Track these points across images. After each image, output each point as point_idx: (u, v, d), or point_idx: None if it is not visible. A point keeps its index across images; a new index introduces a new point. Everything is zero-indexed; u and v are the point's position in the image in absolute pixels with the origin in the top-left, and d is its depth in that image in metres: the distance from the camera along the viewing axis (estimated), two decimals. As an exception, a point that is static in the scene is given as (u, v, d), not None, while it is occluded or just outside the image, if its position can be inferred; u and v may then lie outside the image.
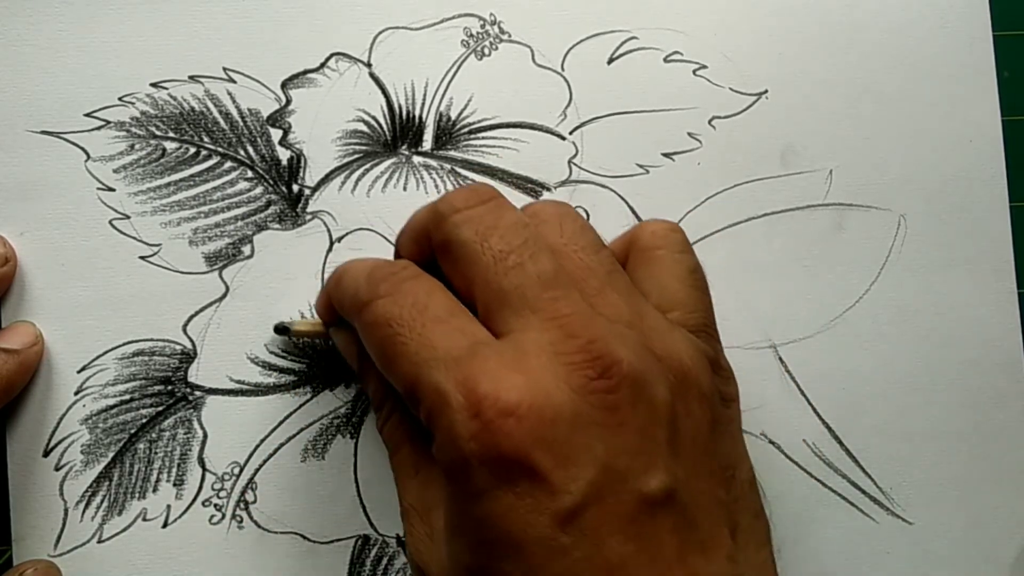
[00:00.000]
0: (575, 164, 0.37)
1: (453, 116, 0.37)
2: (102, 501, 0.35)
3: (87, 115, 0.36)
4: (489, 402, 0.24)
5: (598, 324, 0.26)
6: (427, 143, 0.37)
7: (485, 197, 0.28)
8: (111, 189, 0.36)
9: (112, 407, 0.35)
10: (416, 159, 0.37)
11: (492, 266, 0.26)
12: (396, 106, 0.37)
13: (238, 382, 0.35)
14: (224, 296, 0.36)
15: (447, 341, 0.26)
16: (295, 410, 0.35)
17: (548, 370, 0.24)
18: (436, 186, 0.37)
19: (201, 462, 0.35)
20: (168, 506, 0.35)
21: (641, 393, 0.25)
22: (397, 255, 0.31)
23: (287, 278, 0.36)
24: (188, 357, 0.35)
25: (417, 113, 0.37)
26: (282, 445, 0.35)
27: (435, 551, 0.26)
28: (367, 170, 0.37)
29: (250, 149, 0.36)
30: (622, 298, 0.28)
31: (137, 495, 0.35)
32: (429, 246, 0.29)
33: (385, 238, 0.36)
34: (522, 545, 0.23)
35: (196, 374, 0.35)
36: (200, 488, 0.35)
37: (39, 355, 0.34)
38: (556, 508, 0.23)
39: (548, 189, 0.37)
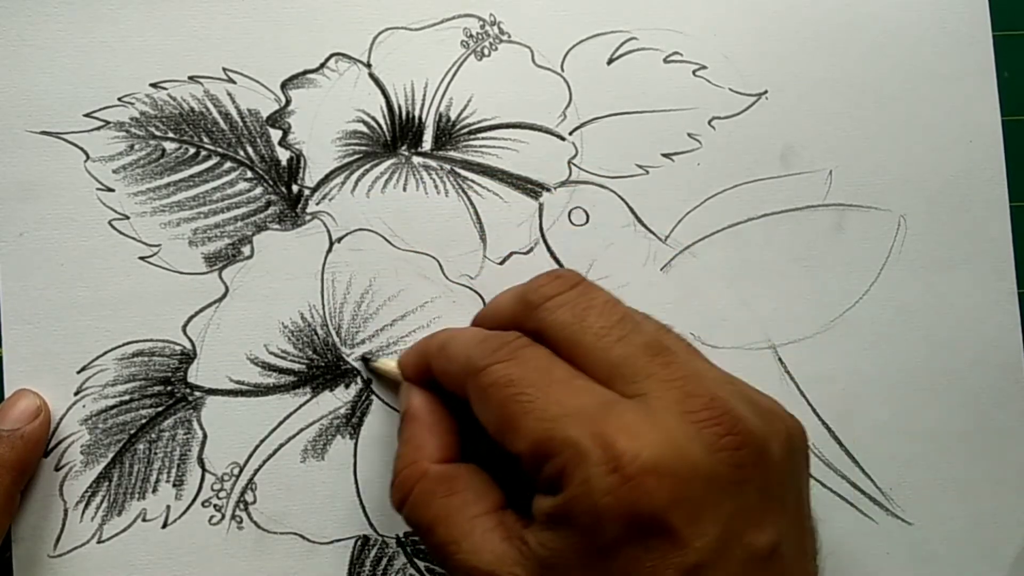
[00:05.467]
0: (575, 164, 0.37)
1: (453, 117, 0.37)
2: (102, 501, 0.35)
3: (86, 115, 0.36)
4: (628, 458, 0.24)
5: (710, 383, 0.27)
6: (427, 144, 0.37)
7: (573, 281, 0.30)
8: (110, 189, 0.36)
9: (112, 407, 0.35)
10: (416, 159, 0.37)
11: (596, 342, 0.28)
12: (396, 106, 0.37)
13: (238, 383, 0.35)
14: (224, 297, 0.36)
15: (576, 399, 0.26)
16: (295, 411, 0.35)
17: (679, 428, 0.25)
18: (436, 186, 0.37)
19: (201, 462, 0.35)
20: (168, 506, 0.35)
21: (762, 451, 0.26)
22: None
23: (287, 279, 0.36)
24: (188, 358, 0.35)
25: (417, 114, 0.37)
26: (282, 446, 0.35)
27: None
28: (367, 170, 0.37)
29: (250, 149, 0.36)
30: (706, 361, 0.29)
31: (137, 495, 0.35)
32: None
33: (385, 239, 0.36)
34: None
35: (196, 375, 0.35)
36: (200, 488, 0.35)
37: (46, 425, 0.34)
38: (681, 563, 0.24)
39: (548, 189, 0.37)
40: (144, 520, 0.35)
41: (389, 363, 0.35)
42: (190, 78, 0.36)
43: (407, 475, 0.30)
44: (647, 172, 0.37)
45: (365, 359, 0.36)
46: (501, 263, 0.37)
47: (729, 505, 0.25)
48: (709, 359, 0.29)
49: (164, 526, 0.35)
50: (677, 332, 0.30)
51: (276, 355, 0.36)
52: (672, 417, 0.25)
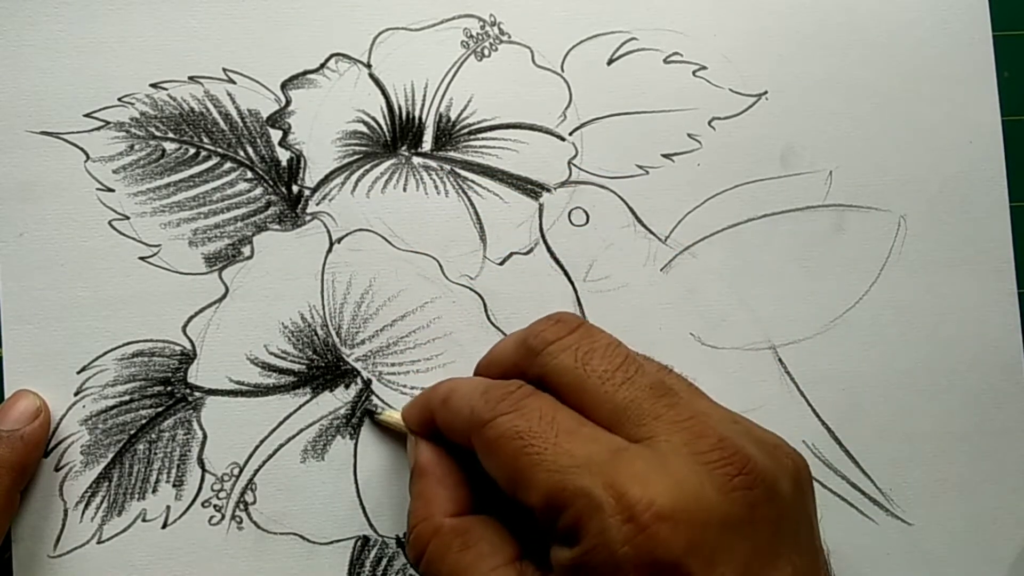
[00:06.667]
0: (575, 165, 0.37)
1: (453, 117, 0.37)
2: (102, 502, 0.35)
3: (87, 115, 0.36)
4: (642, 506, 0.24)
5: (717, 423, 0.27)
6: (427, 144, 0.37)
7: (573, 325, 0.29)
8: (110, 190, 0.36)
9: (112, 408, 0.35)
10: (416, 160, 0.37)
11: (601, 386, 0.27)
12: (396, 107, 0.37)
13: (238, 383, 0.36)
14: (224, 297, 0.36)
15: (584, 448, 0.26)
16: (295, 411, 0.35)
17: (690, 471, 0.25)
18: (436, 187, 0.37)
19: (201, 463, 0.35)
20: (168, 507, 0.35)
21: (773, 489, 0.26)
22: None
23: (287, 279, 0.36)
24: (188, 358, 0.35)
25: (417, 114, 0.37)
26: (282, 446, 0.35)
27: None
28: (367, 171, 0.37)
29: (250, 150, 0.36)
30: (709, 400, 0.29)
31: (137, 496, 0.35)
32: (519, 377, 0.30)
33: (385, 239, 0.36)
34: None
35: (196, 375, 0.35)
36: (200, 489, 0.35)
37: (46, 426, 0.34)
38: None
39: (548, 190, 0.37)
40: (144, 520, 0.35)
41: (394, 415, 0.35)
42: (190, 78, 0.36)
43: (420, 531, 0.30)
44: (647, 172, 0.37)
45: (369, 412, 0.36)
46: (501, 263, 0.37)
47: (745, 547, 0.25)
48: (711, 397, 0.29)
49: (164, 526, 0.35)
50: (678, 372, 0.30)
51: (276, 355, 0.36)
52: (682, 460, 0.25)
